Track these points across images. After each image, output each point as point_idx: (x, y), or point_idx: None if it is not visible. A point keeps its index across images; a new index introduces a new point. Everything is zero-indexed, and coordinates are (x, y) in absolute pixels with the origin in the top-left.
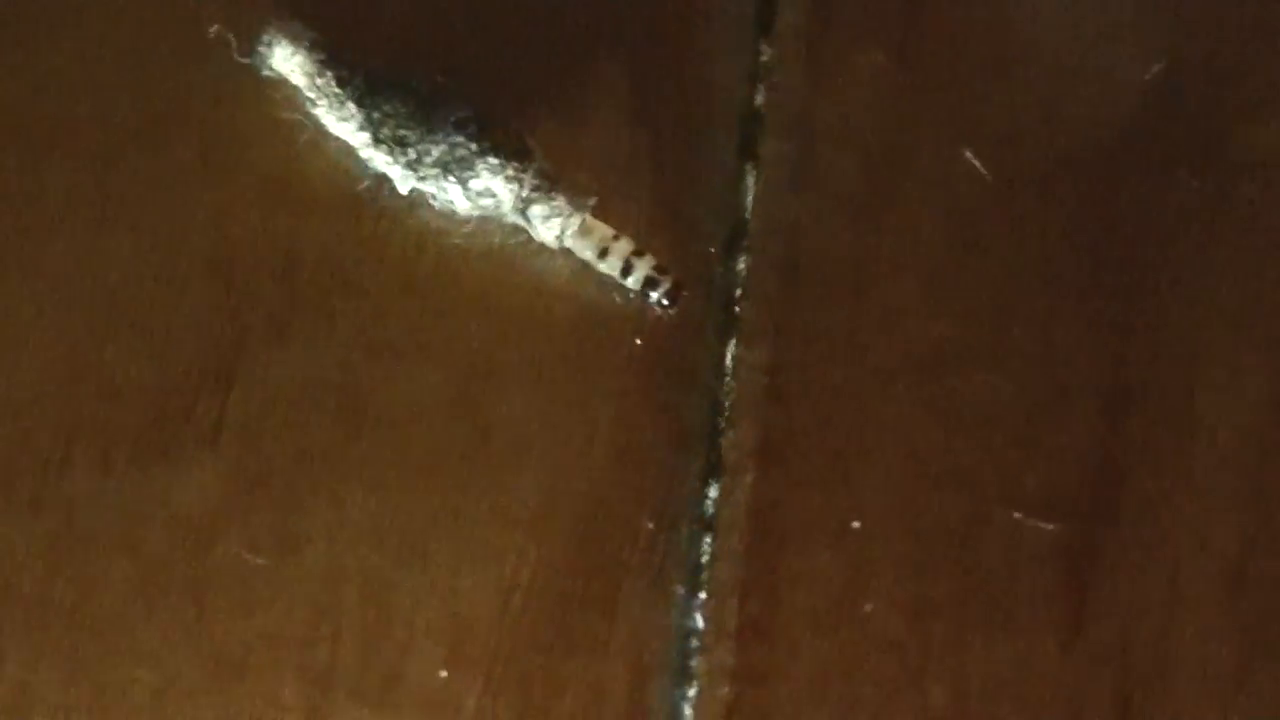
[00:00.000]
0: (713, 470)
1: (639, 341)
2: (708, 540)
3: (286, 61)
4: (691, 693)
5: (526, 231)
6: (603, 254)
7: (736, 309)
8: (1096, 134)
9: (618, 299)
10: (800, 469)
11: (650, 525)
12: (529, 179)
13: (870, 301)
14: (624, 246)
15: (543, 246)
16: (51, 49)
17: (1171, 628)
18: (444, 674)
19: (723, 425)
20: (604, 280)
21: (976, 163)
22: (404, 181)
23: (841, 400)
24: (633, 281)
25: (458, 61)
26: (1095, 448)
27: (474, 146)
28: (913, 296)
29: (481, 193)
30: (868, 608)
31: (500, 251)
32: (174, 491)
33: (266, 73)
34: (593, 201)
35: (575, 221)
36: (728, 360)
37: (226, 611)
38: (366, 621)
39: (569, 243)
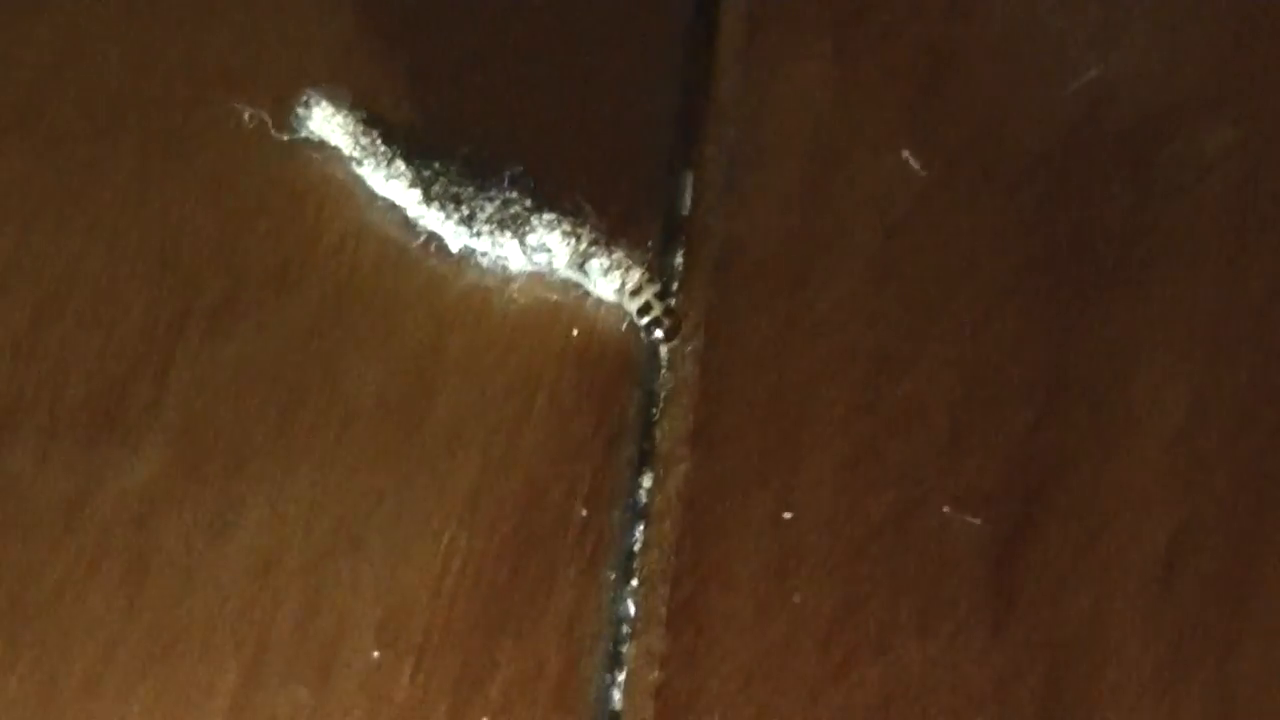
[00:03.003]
0: (646, 459)
1: (575, 332)
2: (640, 528)
3: (327, 122)
4: (621, 678)
5: (581, 286)
6: (645, 309)
7: (672, 302)
8: (1033, 137)
9: (554, 296)
10: (733, 460)
11: (584, 513)
12: (586, 234)
13: (805, 298)
14: (665, 303)
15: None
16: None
17: (1100, 624)
18: (376, 654)
19: (656, 415)
20: (540, 275)
21: (914, 163)
22: (457, 239)
23: (775, 393)
24: (642, 322)
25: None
26: (1027, 445)
27: (529, 202)
28: (847, 294)
29: (537, 248)
30: (796, 598)
31: (437, 248)
32: (114, 473)
33: (305, 135)
34: (650, 254)
35: (635, 275)
36: (662, 351)
37: (163, 591)
38: (302, 604)
39: (625, 300)
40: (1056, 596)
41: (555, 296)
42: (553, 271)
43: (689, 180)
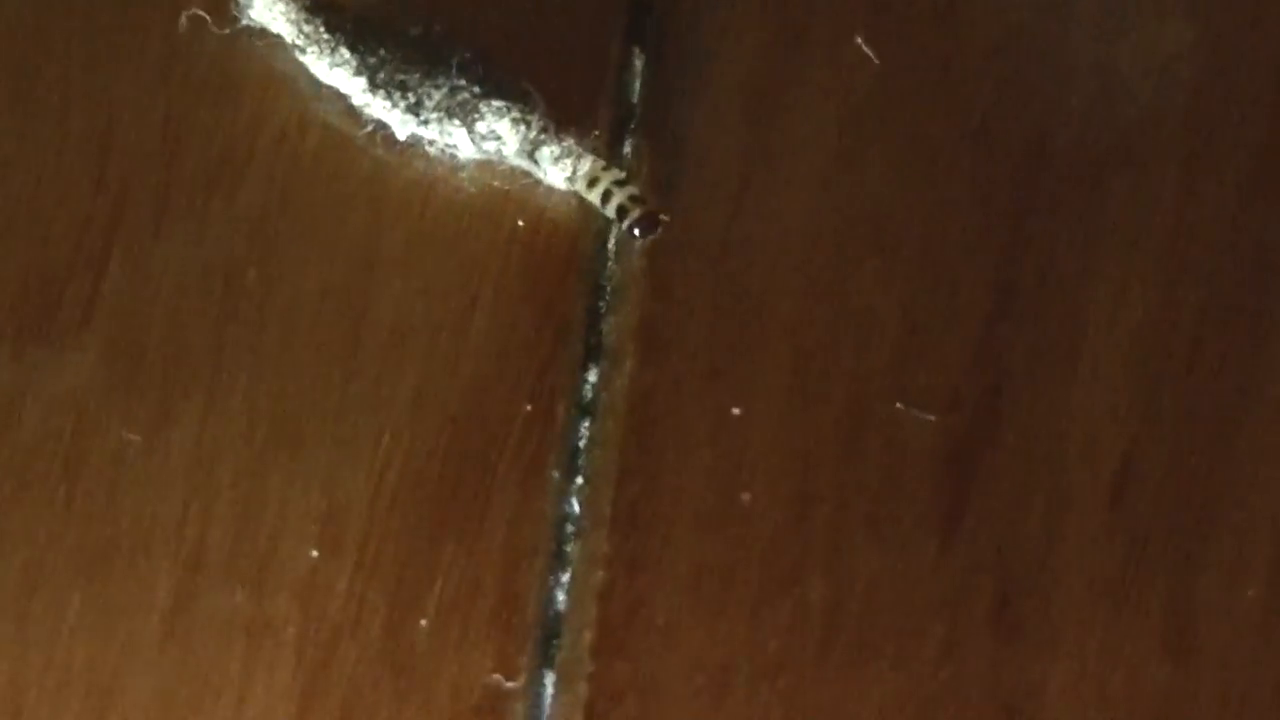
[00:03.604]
0: (592, 355)
1: (521, 224)
2: (586, 425)
3: (268, 9)
4: (565, 578)
5: (530, 174)
6: (606, 197)
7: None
8: (990, 26)
9: (504, 185)
10: (680, 355)
11: (528, 409)
12: (535, 121)
13: (757, 189)
14: (627, 191)
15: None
16: None
17: (1053, 533)
18: (314, 554)
19: (603, 310)
20: (490, 163)
21: (868, 50)
22: (404, 127)
23: (725, 287)
24: (609, 212)
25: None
26: (983, 344)
27: (477, 89)
28: (801, 186)
29: (486, 136)
30: (745, 497)
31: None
32: (49, 373)
33: (247, 23)
34: (599, 142)
35: (586, 163)
36: (610, 243)
37: (99, 493)
38: (239, 505)
39: (579, 185)
40: (1009, 506)
41: (504, 185)
42: (502, 160)
43: (639, 67)
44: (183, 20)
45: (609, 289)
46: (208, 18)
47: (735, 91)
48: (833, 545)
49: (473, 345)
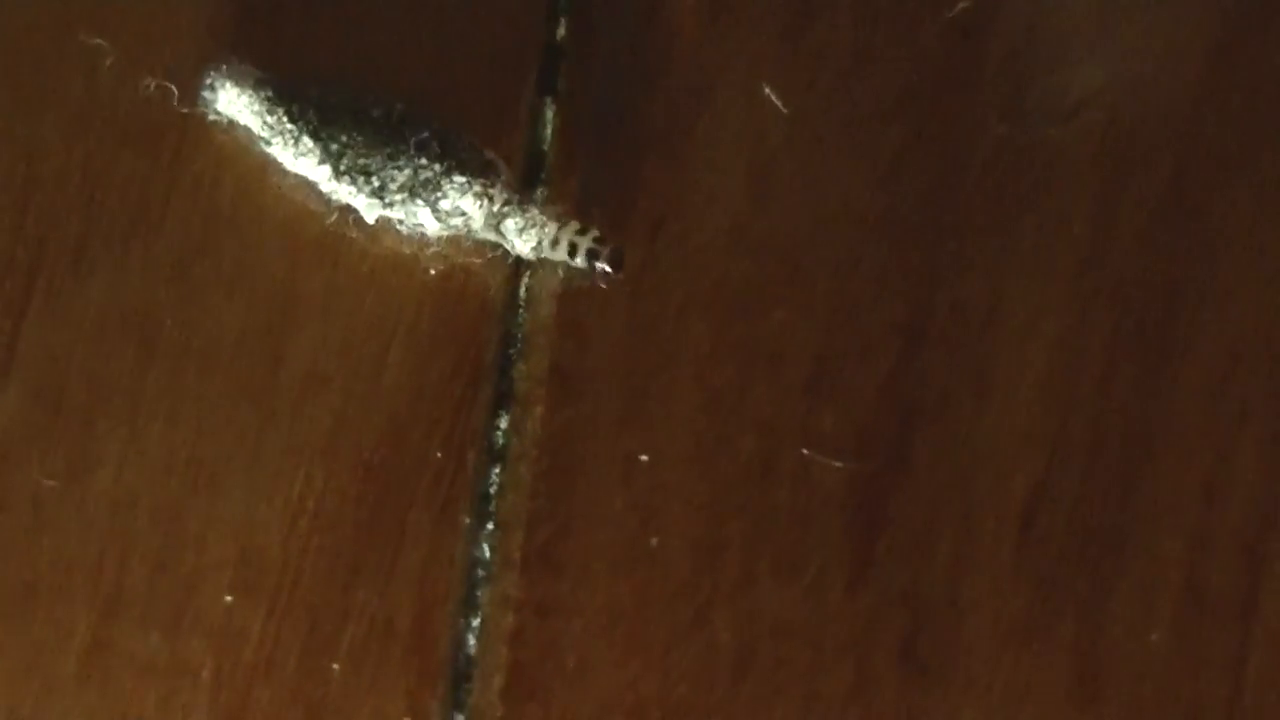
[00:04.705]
0: (503, 401)
1: (432, 272)
2: (496, 471)
3: (233, 103)
4: (476, 623)
5: (501, 246)
6: (572, 251)
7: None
8: (900, 74)
9: (470, 259)
10: (591, 401)
11: (440, 455)
12: (498, 194)
13: (668, 236)
14: (590, 235)
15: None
16: None
17: (961, 573)
18: (229, 599)
19: (514, 357)
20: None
21: (776, 100)
22: (370, 210)
23: (635, 334)
24: (580, 260)
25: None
26: (890, 390)
27: (438, 167)
28: (711, 233)
29: (451, 212)
30: (654, 543)
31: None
32: None
33: (214, 117)
34: (562, 209)
35: (551, 230)
36: (521, 291)
37: (19, 534)
38: (156, 548)
39: (546, 253)
40: (917, 544)
41: (475, 259)
42: (470, 234)
43: (550, 115)
44: (150, 86)
45: (520, 336)
46: (174, 90)
47: (646, 140)
48: (741, 587)
49: (386, 391)
